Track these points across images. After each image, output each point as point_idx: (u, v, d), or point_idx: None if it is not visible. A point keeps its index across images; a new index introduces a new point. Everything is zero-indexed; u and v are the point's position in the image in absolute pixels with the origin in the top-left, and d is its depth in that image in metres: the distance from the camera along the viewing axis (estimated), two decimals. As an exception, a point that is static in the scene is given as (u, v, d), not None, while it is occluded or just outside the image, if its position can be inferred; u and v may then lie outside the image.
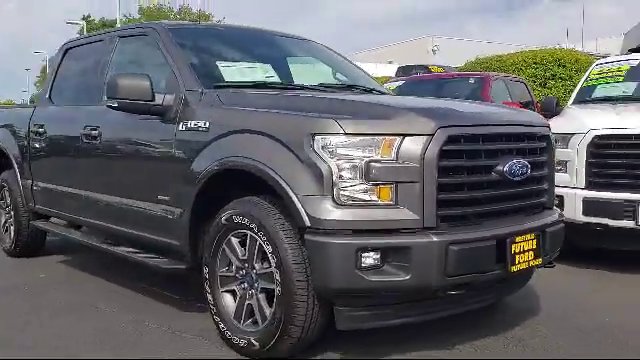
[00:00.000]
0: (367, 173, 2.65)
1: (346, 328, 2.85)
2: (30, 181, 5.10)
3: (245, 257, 3.06)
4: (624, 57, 6.29)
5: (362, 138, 2.68)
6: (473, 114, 3.17)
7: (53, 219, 5.20)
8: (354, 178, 2.67)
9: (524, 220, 3.10)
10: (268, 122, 2.98)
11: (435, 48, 40.58)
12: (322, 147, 2.70)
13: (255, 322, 3.04)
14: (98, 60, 4.48)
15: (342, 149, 2.68)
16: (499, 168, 2.92)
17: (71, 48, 5.07)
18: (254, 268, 3.02)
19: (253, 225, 2.94)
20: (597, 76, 6.39)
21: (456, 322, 3.39)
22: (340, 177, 2.67)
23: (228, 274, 3.17)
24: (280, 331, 2.84)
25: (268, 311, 2.94)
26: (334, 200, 2.67)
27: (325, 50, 4.74)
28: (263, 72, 3.96)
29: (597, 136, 4.69)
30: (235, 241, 3.11)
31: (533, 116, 3.44)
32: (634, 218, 4.51)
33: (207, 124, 3.26)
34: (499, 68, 15.48)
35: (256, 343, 2.96)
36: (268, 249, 2.86)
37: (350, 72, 4.56)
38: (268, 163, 2.85)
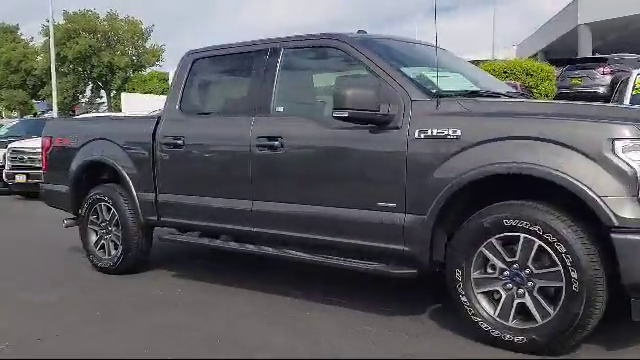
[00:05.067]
0: None
1: (640, 319, 3.08)
2: (152, 194, 4.92)
3: (515, 258, 3.22)
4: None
5: None
6: None
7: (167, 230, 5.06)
8: None
9: None
10: (550, 129, 3.13)
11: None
12: (622, 151, 2.93)
13: (525, 320, 3.20)
14: (256, 71, 4.40)
15: None
16: None
17: (199, 59, 4.91)
18: (527, 268, 3.18)
19: (534, 228, 3.10)
20: (643, 84, 7.05)
21: None
22: None
23: (485, 276, 3.32)
24: (575, 325, 3.03)
25: (550, 308, 3.12)
26: (639, 200, 2.90)
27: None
28: (459, 81, 4.10)
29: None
30: (498, 244, 3.26)
31: None
32: None
33: (457, 132, 3.38)
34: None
35: (539, 339, 3.12)
36: (560, 249, 3.03)
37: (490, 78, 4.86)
38: (560, 168, 3.02)
